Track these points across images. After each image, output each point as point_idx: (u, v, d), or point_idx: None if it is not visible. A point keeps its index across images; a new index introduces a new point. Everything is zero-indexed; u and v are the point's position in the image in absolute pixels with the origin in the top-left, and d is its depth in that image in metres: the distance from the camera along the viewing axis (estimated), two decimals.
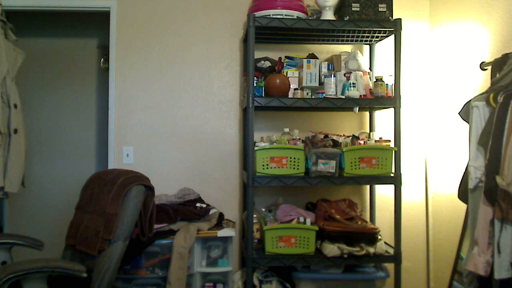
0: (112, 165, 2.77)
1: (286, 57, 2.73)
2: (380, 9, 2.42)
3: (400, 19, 2.42)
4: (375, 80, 2.48)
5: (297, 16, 2.44)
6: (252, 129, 2.34)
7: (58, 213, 3.42)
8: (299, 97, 2.45)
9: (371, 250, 2.33)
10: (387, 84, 2.47)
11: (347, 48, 2.85)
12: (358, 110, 2.54)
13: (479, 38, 2.35)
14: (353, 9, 2.40)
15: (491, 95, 1.86)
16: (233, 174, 2.84)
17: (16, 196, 2.87)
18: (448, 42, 2.67)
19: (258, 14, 2.43)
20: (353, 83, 2.44)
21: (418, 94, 2.88)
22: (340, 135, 2.56)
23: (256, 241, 2.49)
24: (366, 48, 2.88)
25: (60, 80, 3.60)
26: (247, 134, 2.43)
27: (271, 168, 2.33)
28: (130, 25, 2.82)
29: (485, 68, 2.18)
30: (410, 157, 2.83)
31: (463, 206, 2.30)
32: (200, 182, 2.81)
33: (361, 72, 2.56)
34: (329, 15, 2.46)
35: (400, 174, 2.40)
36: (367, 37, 2.67)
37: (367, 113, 2.88)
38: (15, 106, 2.49)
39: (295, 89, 2.50)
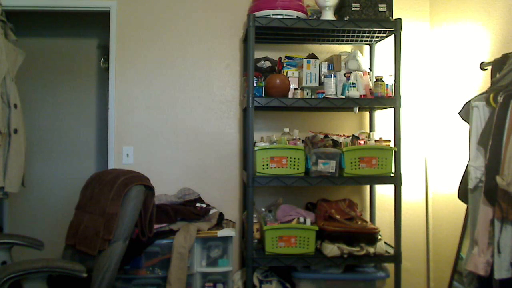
0: (112, 165, 2.77)
1: (286, 57, 2.73)
2: (380, 9, 2.42)
3: (400, 19, 2.42)
4: (375, 80, 2.48)
5: (297, 16, 2.43)
6: (252, 129, 2.34)
7: (58, 213, 3.42)
8: (299, 97, 2.45)
9: (371, 250, 2.33)
10: (387, 84, 2.47)
11: (347, 48, 2.85)
12: (358, 110, 2.54)
13: (479, 38, 2.35)
14: (353, 9, 2.40)
15: (491, 95, 1.86)
16: (233, 174, 2.84)
17: (16, 196, 2.87)
18: (448, 42, 2.67)
19: (258, 14, 2.43)
20: (353, 83, 2.44)
21: (418, 94, 2.88)
22: (340, 135, 2.56)
23: (256, 241, 2.50)
24: (366, 48, 2.88)
25: (60, 80, 3.60)
26: (247, 134, 2.43)
27: (271, 168, 2.33)
28: (130, 25, 2.82)
29: (485, 68, 2.18)
30: (410, 157, 2.83)
31: (463, 206, 2.30)
32: (200, 182, 2.81)
33: (361, 72, 2.55)
34: (329, 15, 2.46)
35: (400, 174, 2.40)
36: (367, 37, 2.67)
37: (367, 113, 2.88)
38: (15, 106, 2.49)
39: (295, 89, 2.50)
